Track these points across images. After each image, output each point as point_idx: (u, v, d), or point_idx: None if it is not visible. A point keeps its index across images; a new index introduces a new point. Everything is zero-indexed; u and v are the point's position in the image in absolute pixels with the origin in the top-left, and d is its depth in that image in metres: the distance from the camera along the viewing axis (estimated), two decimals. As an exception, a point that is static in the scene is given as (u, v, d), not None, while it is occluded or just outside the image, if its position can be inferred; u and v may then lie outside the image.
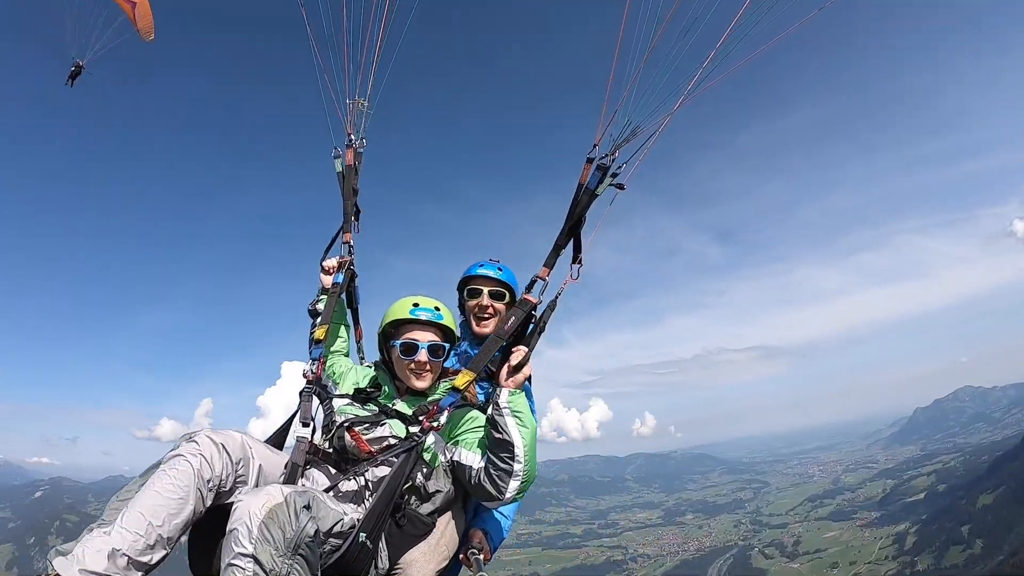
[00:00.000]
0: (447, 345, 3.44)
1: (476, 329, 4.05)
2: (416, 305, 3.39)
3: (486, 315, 4.02)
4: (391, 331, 3.43)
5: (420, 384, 3.38)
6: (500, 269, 4.09)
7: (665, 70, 3.34)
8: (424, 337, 3.37)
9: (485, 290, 4.03)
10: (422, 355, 3.34)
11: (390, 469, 3.01)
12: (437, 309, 3.41)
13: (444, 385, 3.44)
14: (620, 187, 3.42)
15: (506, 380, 3.10)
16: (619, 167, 3.41)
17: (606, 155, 3.42)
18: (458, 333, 3.56)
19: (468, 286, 4.10)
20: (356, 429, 3.18)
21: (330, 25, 4.33)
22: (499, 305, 4.03)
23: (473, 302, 4.04)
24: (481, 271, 4.09)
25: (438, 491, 3.15)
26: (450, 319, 3.46)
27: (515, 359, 3.13)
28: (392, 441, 3.16)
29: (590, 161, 3.46)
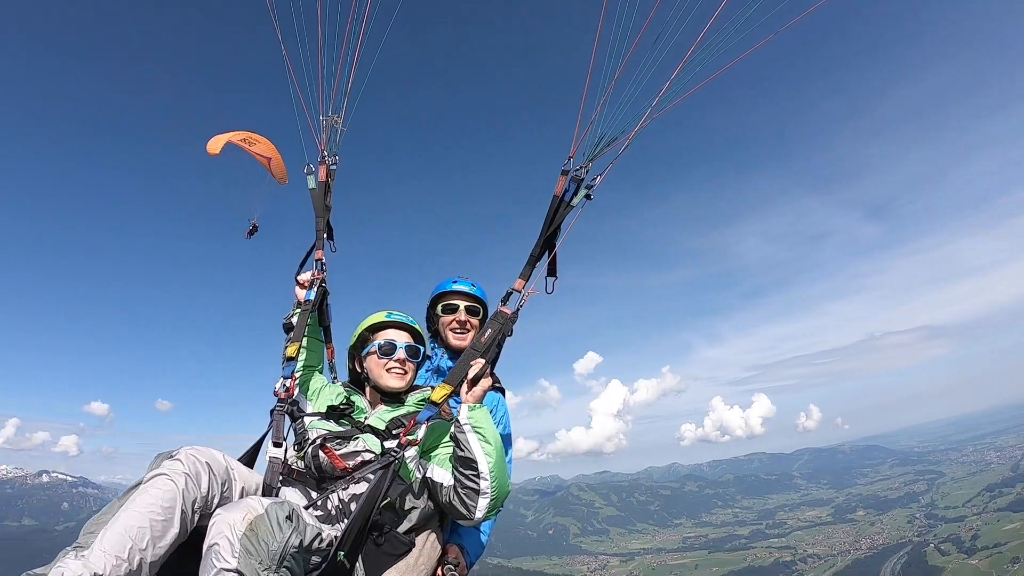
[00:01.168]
0: (421, 348, 3.55)
1: (453, 342, 4.10)
2: (391, 312, 3.60)
3: (465, 329, 4.08)
4: (367, 336, 3.54)
5: (397, 384, 3.43)
6: (473, 285, 4.17)
7: (637, 83, 3.38)
8: (401, 338, 3.50)
9: (462, 305, 4.09)
10: (400, 353, 3.45)
11: (367, 485, 2.93)
12: (411, 317, 3.61)
13: (416, 397, 3.48)
14: (588, 197, 3.46)
15: (466, 394, 3.14)
16: (593, 179, 3.46)
17: (580, 167, 3.45)
18: (428, 347, 3.65)
19: (443, 302, 4.15)
20: (329, 445, 3.11)
21: (304, 40, 4.28)
22: (475, 320, 4.12)
23: (449, 317, 4.10)
24: (456, 287, 4.14)
25: (414, 508, 3.14)
26: (422, 328, 3.64)
27: (472, 371, 3.15)
28: (367, 456, 3.09)
29: (565, 173, 3.48)
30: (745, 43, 3.35)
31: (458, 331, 4.10)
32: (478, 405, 3.14)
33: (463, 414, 3.08)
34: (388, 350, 3.46)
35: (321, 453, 3.11)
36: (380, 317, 3.57)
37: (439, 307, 4.17)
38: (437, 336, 4.25)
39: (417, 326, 3.61)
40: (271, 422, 3.31)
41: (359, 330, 3.61)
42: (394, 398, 3.49)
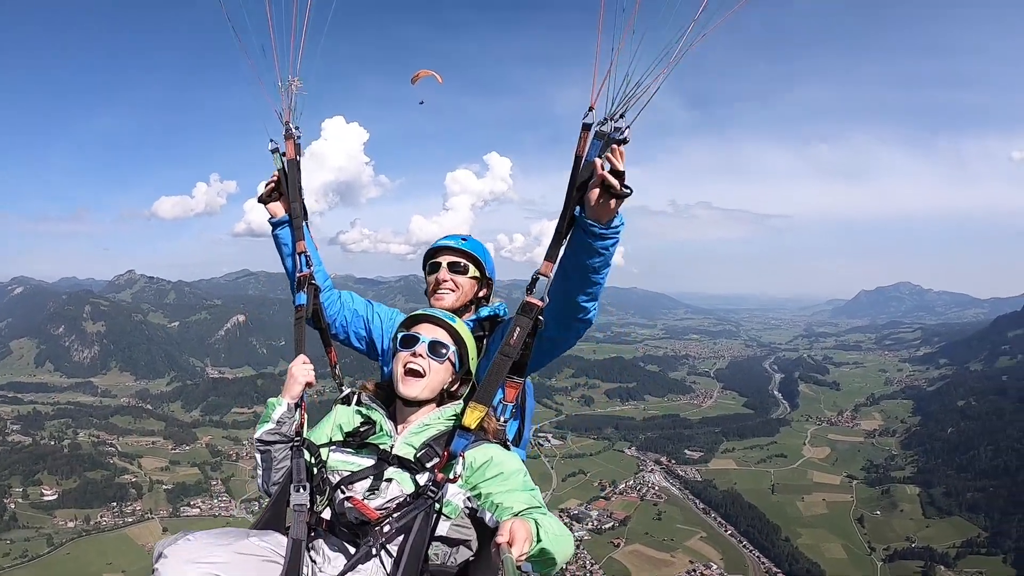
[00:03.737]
0: (452, 348, 2.85)
1: (433, 305, 3.38)
2: (431, 308, 3.09)
3: (444, 290, 3.40)
4: (400, 331, 2.94)
5: (407, 390, 2.76)
6: (464, 239, 3.53)
7: (668, 9, 2.52)
8: (431, 332, 2.85)
9: (444, 262, 3.42)
10: (421, 348, 2.79)
11: (407, 536, 2.51)
12: (452, 315, 3.01)
13: (446, 412, 2.81)
14: (624, 141, 2.64)
15: (515, 551, 2.03)
16: (622, 133, 2.61)
17: (605, 119, 2.68)
18: (472, 350, 2.97)
19: (429, 261, 3.53)
20: (356, 497, 2.61)
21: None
22: (460, 279, 3.42)
23: (431, 276, 3.45)
24: (441, 242, 3.54)
25: (461, 541, 2.63)
26: (464, 329, 2.95)
27: (502, 535, 2.06)
28: (401, 499, 2.59)
29: (587, 128, 2.73)
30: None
31: (437, 292, 3.41)
32: (535, 543, 2.18)
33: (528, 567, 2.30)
34: (409, 343, 2.82)
35: (349, 505, 2.61)
36: (415, 312, 3.02)
37: (425, 270, 3.55)
38: None
39: (457, 326, 2.92)
40: (260, 463, 2.94)
41: (396, 329, 3.04)
42: (419, 407, 2.83)
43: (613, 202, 2.59)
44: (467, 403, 2.73)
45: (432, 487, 2.57)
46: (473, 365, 3.00)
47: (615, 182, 2.54)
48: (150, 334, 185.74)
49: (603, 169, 2.57)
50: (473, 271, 3.47)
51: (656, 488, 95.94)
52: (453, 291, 3.42)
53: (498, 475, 2.59)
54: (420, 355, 2.80)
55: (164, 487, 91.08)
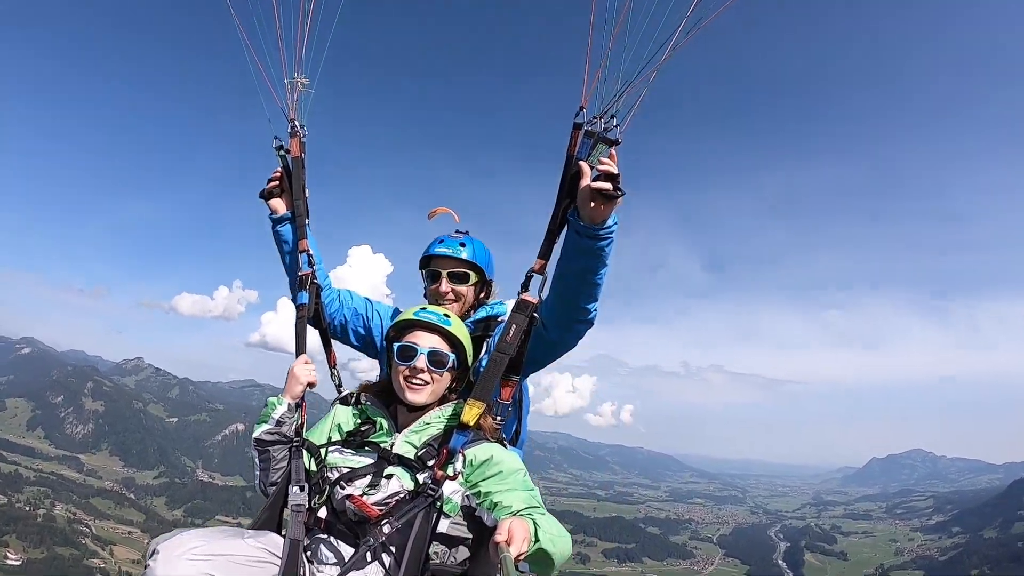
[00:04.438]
0: (452, 356, 2.79)
1: None
2: (424, 308, 2.90)
3: (446, 301, 3.38)
4: (392, 336, 2.86)
5: (414, 398, 2.72)
6: (463, 245, 3.42)
7: (659, 8, 2.57)
8: (427, 342, 2.76)
9: (444, 273, 3.37)
10: (420, 361, 2.71)
11: (407, 535, 2.51)
12: (446, 316, 2.87)
13: (445, 411, 2.79)
14: (615, 142, 2.70)
15: (513, 551, 2.05)
16: (614, 132, 2.67)
17: (595, 118, 2.72)
18: (470, 348, 2.92)
19: (426, 268, 3.48)
20: (356, 494, 2.60)
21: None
22: (461, 289, 3.39)
23: (432, 287, 3.42)
24: (439, 249, 3.41)
25: (460, 539, 2.66)
26: (461, 329, 2.88)
27: (501, 534, 2.09)
28: (401, 495, 2.60)
29: (578, 127, 2.76)
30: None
31: (441, 303, 3.34)
32: (533, 543, 2.20)
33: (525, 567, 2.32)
34: (406, 355, 2.73)
35: (348, 503, 2.61)
36: (408, 315, 2.86)
37: (423, 274, 3.52)
38: None
39: (453, 328, 2.82)
40: (258, 463, 2.88)
41: (387, 330, 2.98)
42: (422, 411, 2.80)
43: (607, 204, 2.60)
44: (465, 400, 2.71)
45: (432, 484, 2.54)
46: (471, 362, 2.98)
47: (606, 186, 2.55)
48: (147, 424, 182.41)
49: (591, 177, 2.61)
50: (474, 277, 3.41)
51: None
52: (455, 301, 3.38)
53: (497, 474, 2.57)
54: (421, 369, 2.73)
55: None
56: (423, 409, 2.80)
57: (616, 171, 2.59)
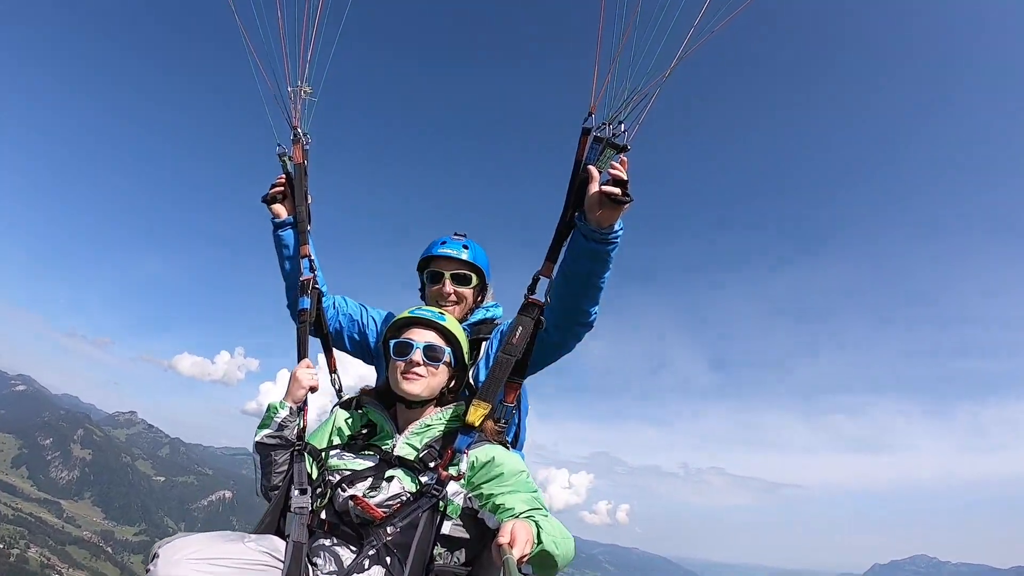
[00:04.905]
0: (447, 350, 2.83)
1: None
2: (419, 308, 2.97)
3: (448, 303, 3.38)
4: (390, 335, 2.92)
5: (409, 388, 2.75)
6: (465, 247, 3.43)
7: (670, 11, 2.62)
8: (422, 336, 2.82)
9: (447, 274, 3.37)
10: (416, 355, 2.76)
11: (411, 536, 2.50)
12: (441, 313, 2.94)
13: (447, 413, 2.81)
14: (624, 148, 2.74)
15: (516, 552, 2.10)
16: (623, 138, 2.74)
17: (604, 124, 2.76)
18: (466, 346, 2.95)
19: (427, 269, 3.46)
20: (359, 495, 2.60)
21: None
22: (464, 291, 3.39)
23: (434, 288, 3.40)
24: (442, 250, 3.40)
25: (461, 541, 2.62)
26: (455, 326, 2.92)
27: (503, 536, 2.13)
28: (404, 497, 2.59)
29: (586, 132, 2.80)
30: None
31: (443, 305, 3.36)
32: (535, 545, 2.23)
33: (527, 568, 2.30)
34: (402, 350, 2.79)
35: (351, 504, 2.60)
36: (404, 314, 2.93)
37: (425, 275, 3.51)
38: None
39: (448, 324, 2.88)
40: (259, 467, 2.88)
41: (384, 331, 3.04)
42: (422, 408, 2.83)
43: (614, 209, 2.63)
44: (469, 401, 2.72)
45: (436, 485, 2.53)
46: (468, 362, 3.00)
47: (615, 191, 2.58)
48: (133, 479, 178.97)
49: (600, 182, 2.66)
50: (475, 279, 3.42)
51: None
52: (458, 303, 3.39)
53: (500, 475, 2.56)
54: (417, 363, 2.75)
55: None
56: (423, 408, 2.82)
57: (625, 177, 2.65)
